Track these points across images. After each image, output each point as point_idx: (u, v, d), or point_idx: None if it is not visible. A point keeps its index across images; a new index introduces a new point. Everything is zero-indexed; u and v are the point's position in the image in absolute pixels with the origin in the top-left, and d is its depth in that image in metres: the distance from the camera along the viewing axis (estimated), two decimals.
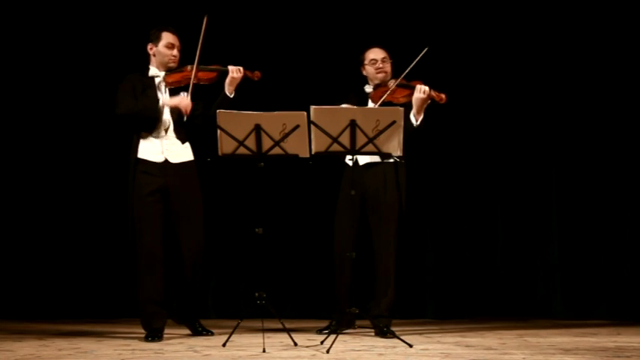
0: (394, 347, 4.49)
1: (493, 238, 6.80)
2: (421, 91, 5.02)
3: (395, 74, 5.25)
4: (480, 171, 6.82)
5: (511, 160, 6.80)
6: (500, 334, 5.28)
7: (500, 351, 4.31)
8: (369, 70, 5.32)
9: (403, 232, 5.25)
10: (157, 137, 4.98)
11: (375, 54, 5.30)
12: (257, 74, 5.09)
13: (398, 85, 5.11)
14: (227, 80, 5.01)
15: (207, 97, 5.08)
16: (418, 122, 5.07)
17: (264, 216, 4.79)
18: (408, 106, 5.05)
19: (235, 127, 4.62)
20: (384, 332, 4.97)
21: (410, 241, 6.60)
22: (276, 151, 4.65)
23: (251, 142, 4.64)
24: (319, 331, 5.23)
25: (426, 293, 6.71)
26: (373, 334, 5.17)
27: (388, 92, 5.11)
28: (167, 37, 5.03)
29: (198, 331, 5.17)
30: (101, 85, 6.73)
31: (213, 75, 5.05)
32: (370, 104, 5.24)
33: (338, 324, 5.12)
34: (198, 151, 5.14)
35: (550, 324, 6.00)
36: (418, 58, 5.03)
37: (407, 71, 5.09)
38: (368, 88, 5.32)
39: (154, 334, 4.88)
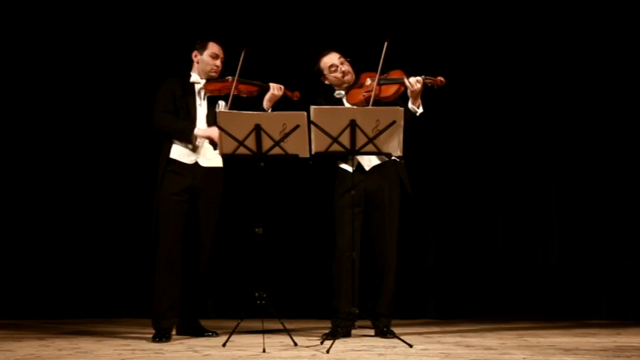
0: (394, 347, 4.49)
1: (493, 238, 6.80)
2: (413, 83, 4.95)
3: (360, 70, 5.17)
4: (480, 171, 6.82)
5: (511, 161, 6.80)
6: (500, 334, 5.28)
7: (500, 351, 4.31)
8: (331, 77, 5.20)
9: (404, 232, 5.23)
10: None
11: (331, 59, 5.19)
12: (297, 94, 5.16)
13: (380, 84, 5.01)
14: (267, 96, 5.09)
15: (244, 109, 5.06)
16: (420, 109, 5.02)
17: (264, 216, 4.79)
18: (402, 98, 5.02)
19: (235, 127, 4.62)
20: (384, 332, 4.97)
21: (410, 240, 6.62)
22: (276, 151, 4.65)
23: (251, 142, 4.63)
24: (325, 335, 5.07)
25: (427, 293, 6.71)
26: (373, 334, 5.17)
27: (373, 91, 4.95)
28: (212, 48, 5.14)
29: (201, 332, 5.16)
30: (119, 86, 6.80)
31: (254, 89, 5.12)
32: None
33: (339, 327, 4.99)
34: None
35: (550, 324, 6.00)
36: (384, 53, 4.90)
37: (380, 69, 4.94)
38: (339, 94, 5.21)
39: (162, 335, 4.87)
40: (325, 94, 5.26)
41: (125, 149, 6.86)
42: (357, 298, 4.95)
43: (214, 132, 4.93)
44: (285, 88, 5.12)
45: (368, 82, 5.08)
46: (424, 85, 4.98)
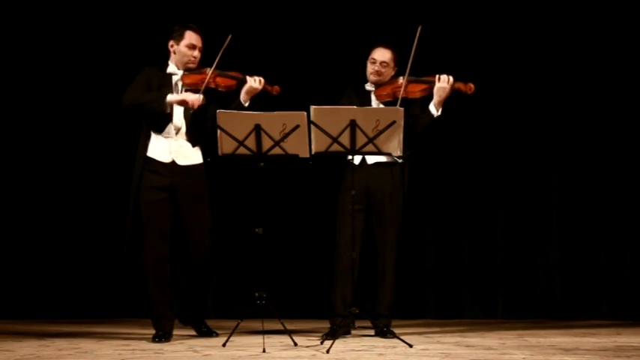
0: (394, 347, 4.49)
1: (493, 238, 6.79)
2: (445, 80, 4.97)
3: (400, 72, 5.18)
4: (480, 171, 6.81)
5: (511, 160, 6.80)
6: (500, 334, 5.28)
7: (500, 351, 4.31)
8: (367, 67, 5.22)
9: (404, 232, 5.23)
10: (166, 137, 4.91)
11: (378, 55, 5.18)
12: (276, 88, 5.02)
13: (410, 82, 5.04)
14: (245, 88, 4.92)
15: (222, 102, 5.02)
16: (439, 112, 5.03)
17: (264, 216, 4.78)
18: (425, 100, 5.05)
19: (235, 127, 4.62)
20: (384, 332, 4.97)
21: (410, 241, 6.61)
22: (276, 151, 4.65)
23: (251, 142, 4.63)
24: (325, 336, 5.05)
25: (427, 293, 6.71)
26: (373, 334, 5.17)
27: (402, 89, 5.00)
28: (189, 37, 4.93)
29: (203, 331, 5.16)
30: (108, 82, 6.77)
31: (232, 82, 4.96)
32: (374, 102, 5.17)
33: (338, 327, 4.94)
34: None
35: (550, 324, 6.00)
36: (415, 44, 4.93)
37: (409, 66, 4.98)
38: (369, 86, 5.22)
39: (162, 335, 4.86)
40: (355, 85, 5.26)
41: (125, 149, 6.84)
42: (350, 297, 4.94)
43: (188, 95, 4.82)
44: (265, 82, 4.97)
45: (400, 80, 5.09)
46: (452, 88, 4.99)
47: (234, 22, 6.69)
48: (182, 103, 4.84)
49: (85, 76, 6.89)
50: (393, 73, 5.21)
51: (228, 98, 5.03)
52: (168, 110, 4.83)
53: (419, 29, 4.95)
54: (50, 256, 6.81)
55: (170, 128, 4.91)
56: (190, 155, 4.96)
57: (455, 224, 6.78)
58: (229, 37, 4.85)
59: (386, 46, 5.22)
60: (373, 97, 5.21)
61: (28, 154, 6.88)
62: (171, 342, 4.83)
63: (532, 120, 6.79)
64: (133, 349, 4.48)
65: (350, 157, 5.06)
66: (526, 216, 6.77)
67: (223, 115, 4.65)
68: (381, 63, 5.16)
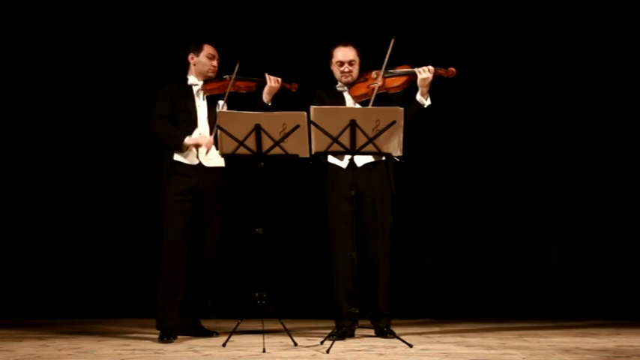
0: (394, 347, 4.50)
1: (493, 238, 6.79)
2: (427, 71, 4.96)
3: (372, 66, 5.17)
4: (480, 171, 6.81)
5: (511, 160, 6.79)
6: (500, 334, 5.28)
7: (500, 351, 4.31)
8: (335, 70, 5.20)
9: (403, 232, 5.22)
10: None
11: (342, 55, 5.15)
12: (295, 85, 5.23)
13: (386, 76, 5.02)
14: (265, 89, 5.15)
15: (244, 106, 5.10)
16: (428, 101, 5.01)
17: (264, 216, 4.79)
18: (410, 90, 5.03)
19: (235, 127, 4.63)
20: (384, 332, 4.96)
21: (410, 241, 6.62)
22: (276, 151, 4.65)
23: (251, 142, 4.64)
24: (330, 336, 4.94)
25: (426, 293, 6.71)
26: (373, 334, 5.17)
27: (377, 84, 4.99)
28: (208, 49, 5.21)
29: (203, 332, 5.17)
30: (118, 87, 6.82)
31: (252, 84, 5.20)
32: (349, 102, 5.14)
33: (341, 328, 4.90)
34: None
35: (550, 324, 6.00)
36: (390, 50, 4.94)
37: (384, 66, 4.98)
38: (340, 87, 5.20)
39: (169, 334, 4.88)
40: (325, 86, 5.25)
41: (123, 149, 6.86)
42: (354, 297, 4.93)
43: (203, 140, 5.04)
44: (282, 80, 5.17)
45: (373, 75, 5.08)
46: (435, 75, 4.99)
47: (245, 33, 6.71)
48: (197, 146, 5.06)
49: (99, 80, 6.91)
50: (359, 66, 5.19)
51: (251, 100, 5.19)
52: (184, 150, 5.04)
53: (392, 40, 4.95)
54: (50, 256, 6.80)
55: (196, 133, 5.09)
56: (215, 158, 5.07)
57: (455, 224, 6.77)
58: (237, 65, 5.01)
59: (345, 43, 5.20)
60: (347, 97, 5.18)
61: (29, 155, 6.87)
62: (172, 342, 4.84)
63: (532, 120, 6.78)
64: (133, 349, 4.49)
65: (333, 159, 5.07)
66: (526, 216, 6.76)
67: (223, 116, 4.66)
68: (350, 62, 5.15)
